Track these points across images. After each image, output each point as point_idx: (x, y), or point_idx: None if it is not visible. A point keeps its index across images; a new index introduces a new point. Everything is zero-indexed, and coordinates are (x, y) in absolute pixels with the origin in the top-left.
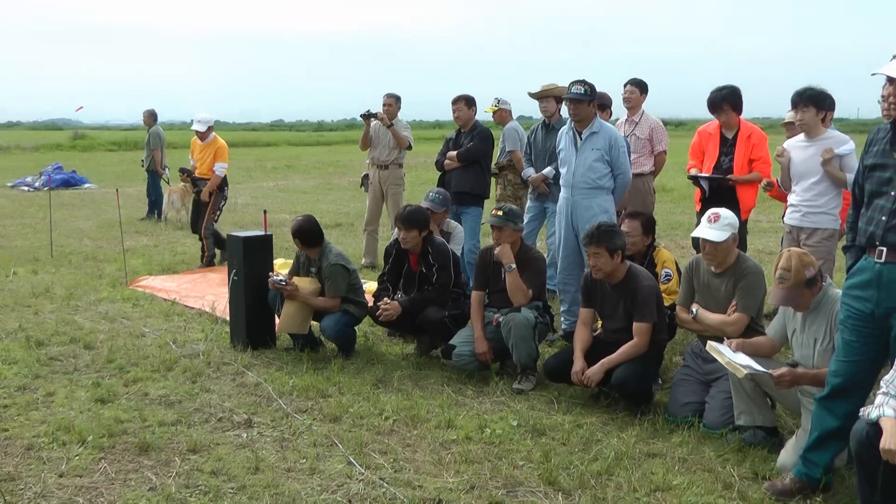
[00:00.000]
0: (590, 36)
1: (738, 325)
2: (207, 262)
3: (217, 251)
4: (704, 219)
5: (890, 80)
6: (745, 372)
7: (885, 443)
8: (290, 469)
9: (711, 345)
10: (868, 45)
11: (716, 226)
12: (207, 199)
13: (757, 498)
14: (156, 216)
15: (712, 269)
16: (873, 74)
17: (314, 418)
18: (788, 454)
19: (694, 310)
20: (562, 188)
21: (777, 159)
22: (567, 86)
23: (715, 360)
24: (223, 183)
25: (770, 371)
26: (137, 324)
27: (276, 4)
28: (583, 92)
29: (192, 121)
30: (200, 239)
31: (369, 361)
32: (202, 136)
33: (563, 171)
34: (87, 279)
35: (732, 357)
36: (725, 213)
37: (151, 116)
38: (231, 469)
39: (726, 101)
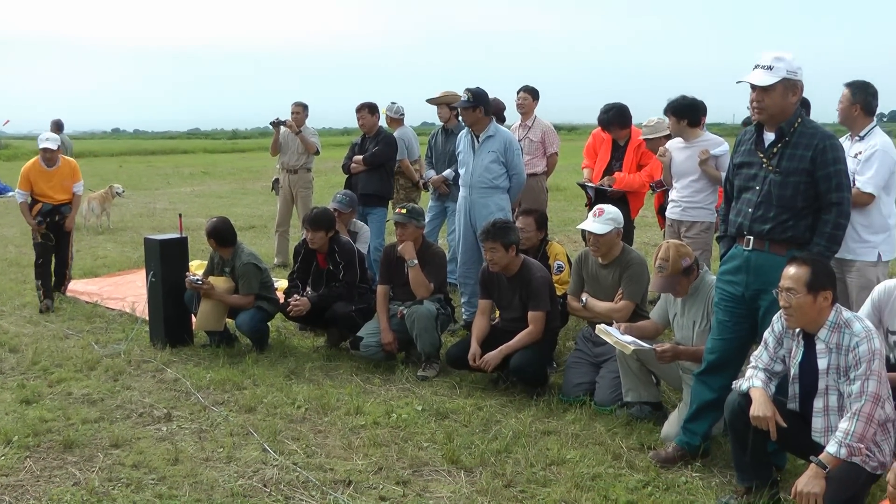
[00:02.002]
0: (490, 47)
1: (625, 311)
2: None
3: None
4: (591, 214)
5: (752, 87)
6: (632, 349)
7: (754, 410)
8: (207, 458)
9: (601, 328)
10: (739, 57)
11: (599, 219)
12: (72, 226)
13: (643, 466)
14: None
15: (599, 260)
16: (738, 83)
17: (230, 410)
18: (671, 425)
19: (584, 299)
20: (461, 188)
21: (659, 158)
22: (460, 95)
23: (604, 344)
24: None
25: (654, 346)
26: (61, 326)
27: (193, 17)
28: (466, 99)
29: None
30: (65, 267)
31: (282, 354)
32: (53, 156)
33: (461, 171)
34: (12, 285)
35: (620, 337)
36: (609, 209)
37: (59, 126)
38: (152, 461)
39: (613, 123)
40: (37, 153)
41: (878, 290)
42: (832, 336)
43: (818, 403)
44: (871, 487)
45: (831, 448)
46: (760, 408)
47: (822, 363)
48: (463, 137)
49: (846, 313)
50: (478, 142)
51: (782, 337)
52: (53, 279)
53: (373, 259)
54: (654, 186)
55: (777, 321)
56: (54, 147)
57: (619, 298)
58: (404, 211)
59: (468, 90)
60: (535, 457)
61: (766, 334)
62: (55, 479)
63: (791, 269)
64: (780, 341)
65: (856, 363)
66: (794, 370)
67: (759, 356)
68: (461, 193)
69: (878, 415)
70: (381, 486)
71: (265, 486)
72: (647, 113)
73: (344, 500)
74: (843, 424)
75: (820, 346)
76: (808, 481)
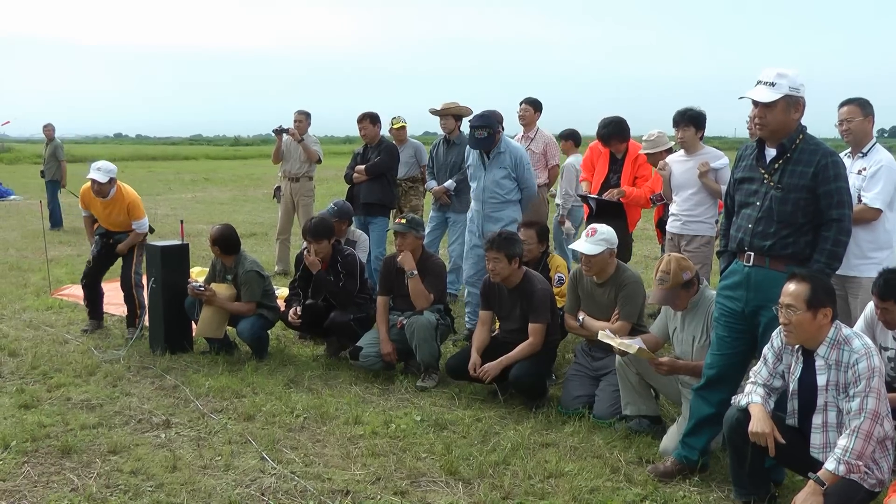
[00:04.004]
0: (492, 55)
1: (622, 332)
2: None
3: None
4: (584, 233)
5: (754, 103)
6: (636, 346)
7: (753, 426)
8: (206, 466)
9: (603, 333)
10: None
11: (592, 240)
12: (125, 251)
13: (641, 480)
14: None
15: (594, 279)
16: (740, 98)
17: (229, 417)
18: (670, 439)
19: (580, 318)
20: (472, 201)
21: (659, 172)
22: (466, 107)
23: (603, 357)
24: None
25: (654, 359)
26: (60, 331)
27: (197, 21)
28: (486, 136)
29: (90, 167)
30: (131, 292)
31: (281, 363)
32: (102, 189)
33: (472, 185)
34: (12, 288)
35: (623, 338)
36: (602, 229)
37: (52, 130)
38: (150, 468)
39: (612, 137)
40: (39, 156)
41: (870, 306)
42: (832, 353)
43: (817, 420)
44: None
45: (830, 465)
46: (759, 424)
47: (821, 379)
48: (472, 151)
49: (846, 330)
50: (488, 158)
51: (781, 352)
52: (126, 310)
53: (374, 268)
54: (654, 200)
55: (776, 337)
56: (102, 180)
57: (615, 319)
58: (404, 221)
59: (482, 127)
60: (534, 469)
61: (765, 350)
62: (53, 485)
63: (791, 286)
64: (779, 357)
65: (855, 380)
66: (793, 386)
67: (759, 372)
68: (473, 206)
69: (876, 432)
70: (378, 497)
71: (263, 494)
72: (645, 126)
73: None
74: (842, 441)
75: (819, 363)
76: (806, 498)
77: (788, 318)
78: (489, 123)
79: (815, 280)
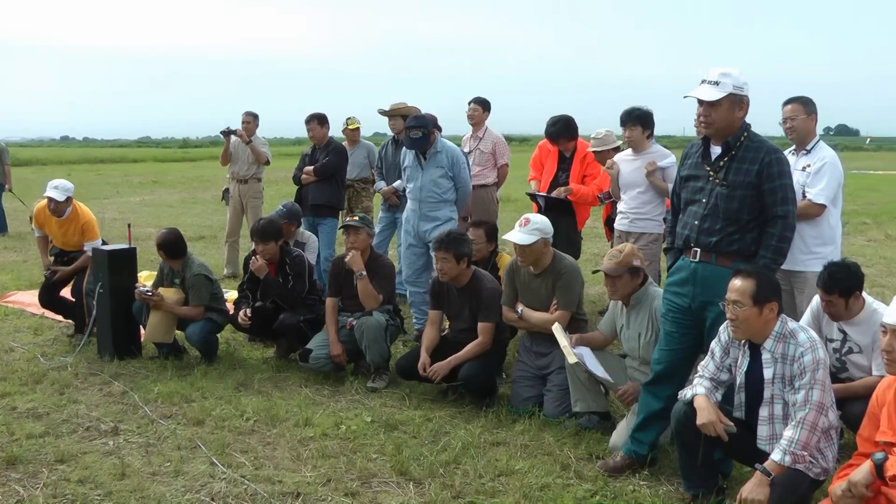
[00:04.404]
0: (442, 57)
1: (562, 321)
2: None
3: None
4: (517, 223)
5: (699, 101)
6: (574, 361)
7: (700, 418)
8: (155, 473)
9: (556, 327)
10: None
11: (524, 230)
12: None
13: (591, 476)
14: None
15: (531, 269)
16: (685, 97)
17: (178, 423)
18: (619, 435)
19: (519, 309)
20: (409, 201)
21: (607, 171)
22: (414, 108)
23: (546, 355)
24: None
25: (616, 386)
26: (6, 339)
27: (144, 22)
28: (420, 136)
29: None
30: (81, 300)
31: (231, 366)
32: (58, 207)
33: (409, 186)
34: None
35: (569, 345)
36: (535, 219)
37: None
38: (98, 476)
39: (561, 135)
40: None
41: (816, 300)
42: (777, 346)
43: (763, 412)
44: (814, 493)
45: (776, 455)
46: (705, 414)
47: (767, 373)
48: (408, 152)
49: (791, 324)
50: (424, 158)
51: (729, 346)
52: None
53: (323, 269)
54: (602, 198)
55: (724, 331)
56: (60, 198)
57: (554, 308)
58: (356, 218)
59: (416, 128)
60: (484, 468)
61: (712, 344)
62: None
63: (737, 282)
64: (726, 351)
65: (801, 372)
66: (739, 379)
67: (706, 366)
68: (409, 206)
69: (821, 423)
70: (329, 498)
71: (213, 499)
72: (594, 125)
73: None
74: (788, 433)
75: (766, 356)
76: (753, 488)
77: (735, 313)
78: (424, 124)
79: (761, 276)
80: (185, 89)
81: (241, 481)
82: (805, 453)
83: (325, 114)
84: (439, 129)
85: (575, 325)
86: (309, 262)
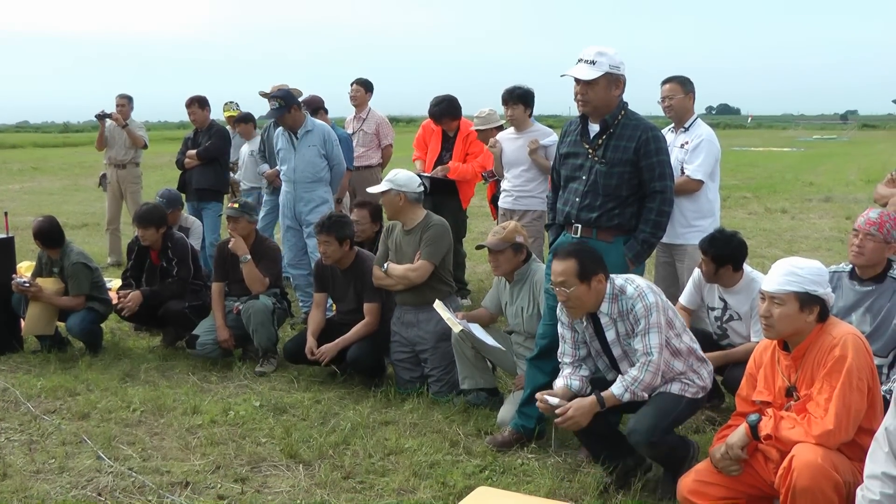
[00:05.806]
0: (326, 40)
1: (422, 270)
2: None
3: None
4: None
5: (576, 80)
6: (459, 328)
7: (559, 420)
8: (38, 471)
9: (437, 304)
10: (574, 50)
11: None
12: None
13: (480, 451)
14: None
15: (403, 227)
16: (562, 76)
17: (63, 418)
18: (507, 410)
19: (385, 266)
20: (283, 183)
21: (490, 149)
22: (296, 89)
23: (414, 325)
24: None
25: (506, 354)
26: None
27: (19, 3)
28: (277, 107)
29: None
30: None
31: (117, 356)
32: None
33: (283, 168)
34: None
35: (451, 316)
36: (395, 172)
37: None
38: None
39: (444, 115)
40: None
41: (697, 271)
42: (612, 307)
43: (623, 368)
44: (695, 412)
45: (616, 389)
46: (542, 406)
47: (609, 335)
48: (281, 135)
49: (619, 280)
50: (297, 138)
51: (573, 324)
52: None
53: (208, 254)
54: (486, 176)
55: (562, 313)
56: None
57: (417, 258)
58: (236, 205)
59: (274, 98)
60: (374, 447)
61: (559, 329)
62: None
63: (558, 265)
64: (573, 328)
65: (635, 322)
66: (594, 347)
67: (563, 353)
68: (284, 189)
69: (672, 350)
70: (219, 485)
71: (100, 494)
72: (478, 104)
73: (181, 501)
74: (633, 371)
75: (605, 320)
76: (580, 409)
77: (566, 294)
78: (284, 95)
79: (580, 252)
80: (64, 72)
81: (129, 474)
82: (645, 395)
83: (205, 96)
84: (325, 111)
85: (437, 287)
86: (192, 247)
